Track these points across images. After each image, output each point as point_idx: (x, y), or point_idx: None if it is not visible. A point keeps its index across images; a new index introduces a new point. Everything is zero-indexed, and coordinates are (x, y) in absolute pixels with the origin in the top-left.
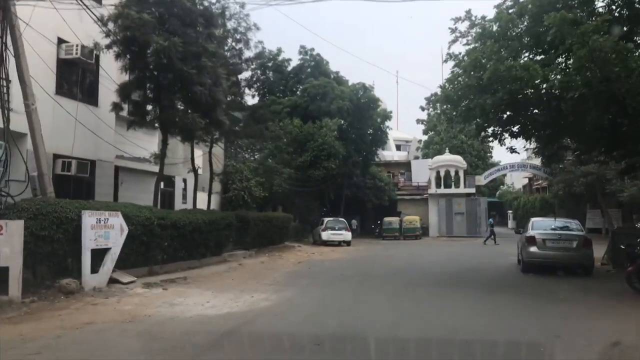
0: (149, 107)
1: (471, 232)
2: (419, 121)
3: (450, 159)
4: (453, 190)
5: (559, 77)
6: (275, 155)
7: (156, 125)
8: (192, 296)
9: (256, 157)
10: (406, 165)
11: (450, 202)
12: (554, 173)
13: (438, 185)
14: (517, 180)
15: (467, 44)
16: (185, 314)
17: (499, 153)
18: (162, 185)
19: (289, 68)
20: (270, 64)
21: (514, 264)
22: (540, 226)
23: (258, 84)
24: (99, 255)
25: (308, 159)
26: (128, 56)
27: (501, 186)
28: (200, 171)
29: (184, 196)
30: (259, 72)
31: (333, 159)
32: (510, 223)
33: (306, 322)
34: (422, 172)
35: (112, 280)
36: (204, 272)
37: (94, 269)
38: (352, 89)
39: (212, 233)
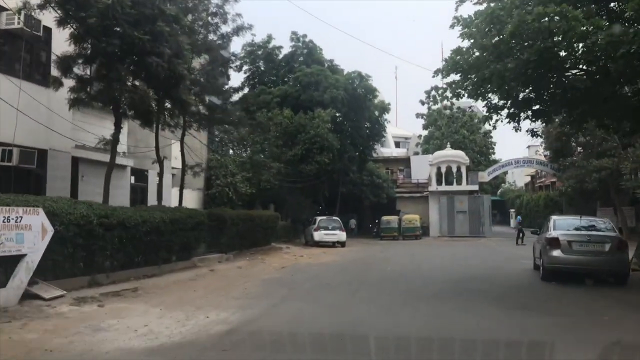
0: (99, 83)
1: (474, 232)
2: (418, 115)
3: (452, 154)
4: (455, 187)
5: (601, 35)
6: (264, 149)
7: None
8: (131, 315)
9: (247, 153)
10: (405, 162)
11: (451, 199)
12: (562, 169)
13: (439, 182)
14: (519, 178)
15: (478, 2)
16: (103, 346)
17: (502, 149)
18: (132, 180)
19: (280, 56)
20: (260, 52)
21: (529, 270)
22: (563, 226)
23: (246, 72)
24: (11, 264)
25: (299, 152)
26: (70, 22)
27: (502, 184)
28: (178, 164)
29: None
30: (244, 55)
31: (326, 152)
32: (513, 222)
33: None
34: (422, 169)
35: (31, 296)
36: (163, 281)
37: (3, 283)
38: (348, 78)
39: (177, 234)
